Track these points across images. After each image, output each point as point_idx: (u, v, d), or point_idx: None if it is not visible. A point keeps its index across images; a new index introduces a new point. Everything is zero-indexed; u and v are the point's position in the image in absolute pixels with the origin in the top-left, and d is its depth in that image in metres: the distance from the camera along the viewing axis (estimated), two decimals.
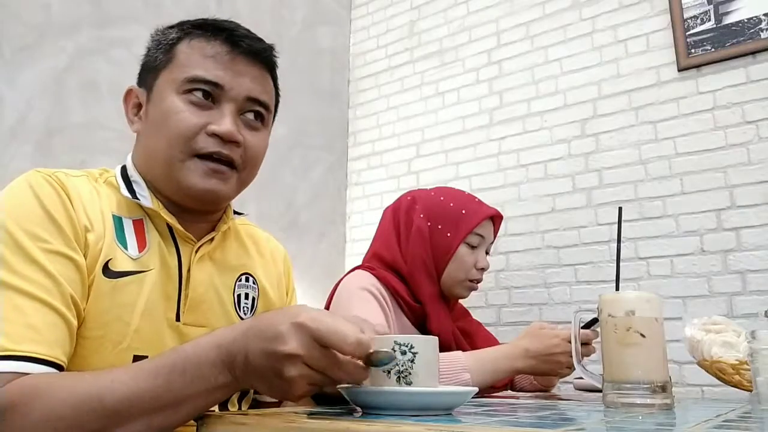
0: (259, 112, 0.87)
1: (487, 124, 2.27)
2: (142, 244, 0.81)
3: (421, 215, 1.36)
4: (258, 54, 0.86)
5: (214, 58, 0.83)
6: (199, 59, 0.83)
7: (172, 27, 0.89)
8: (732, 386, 1.07)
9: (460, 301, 1.49)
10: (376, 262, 1.38)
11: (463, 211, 1.36)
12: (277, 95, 0.94)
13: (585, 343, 1.16)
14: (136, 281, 0.77)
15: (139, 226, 0.82)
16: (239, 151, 0.84)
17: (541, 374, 1.31)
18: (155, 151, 0.83)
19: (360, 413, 0.63)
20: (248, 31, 0.88)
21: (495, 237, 1.45)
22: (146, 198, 0.83)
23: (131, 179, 0.85)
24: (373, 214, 2.49)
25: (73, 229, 0.74)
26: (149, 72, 0.87)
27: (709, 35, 1.85)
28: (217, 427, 0.61)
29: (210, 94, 0.82)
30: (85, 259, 0.74)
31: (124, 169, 0.87)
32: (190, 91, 0.81)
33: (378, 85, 2.65)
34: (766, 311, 1.56)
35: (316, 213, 2.45)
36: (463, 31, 2.43)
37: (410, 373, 0.65)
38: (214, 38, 0.84)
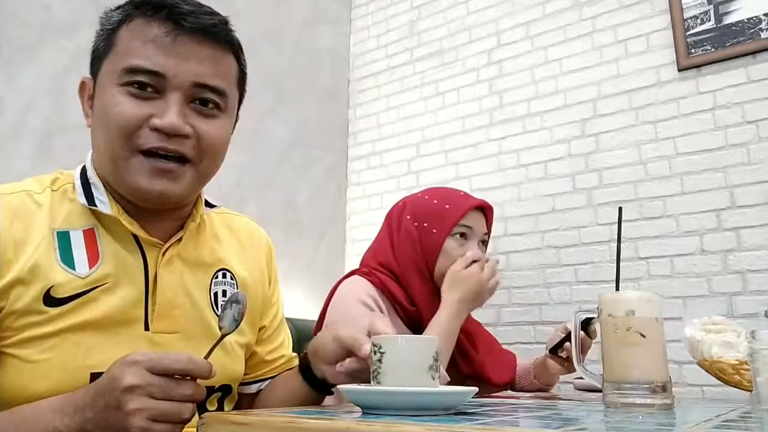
0: (211, 98, 0.78)
1: (487, 124, 2.27)
2: (93, 257, 0.76)
3: (408, 217, 1.37)
4: (206, 32, 0.76)
5: (154, 42, 0.74)
6: (138, 46, 0.74)
7: (117, 8, 0.80)
8: (732, 386, 1.07)
9: None
10: (373, 263, 1.39)
11: (447, 206, 1.36)
12: (243, 73, 0.85)
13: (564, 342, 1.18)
14: (88, 300, 0.73)
15: (90, 236, 0.77)
16: (190, 142, 0.76)
17: (480, 303, 1.34)
18: (100, 149, 0.77)
19: (360, 413, 0.63)
20: (197, 4, 0.78)
21: (489, 229, 1.44)
22: (105, 204, 0.77)
23: (90, 182, 0.79)
24: (373, 214, 2.49)
25: None
26: (94, 61, 0.80)
27: (709, 35, 1.85)
28: (217, 427, 0.61)
29: (152, 83, 0.74)
30: (9, 293, 0.71)
31: (84, 171, 0.81)
32: (130, 82, 0.74)
33: (378, 85, 2.65)
34: (766, 311, 1.56)
35: (316, 213, 2.45)
36: (463, 31, 2.42)
37: (379, 373, 0.66)
38: (153, 18, 0.75)
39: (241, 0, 2.23)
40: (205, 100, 0.77)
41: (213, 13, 0.79)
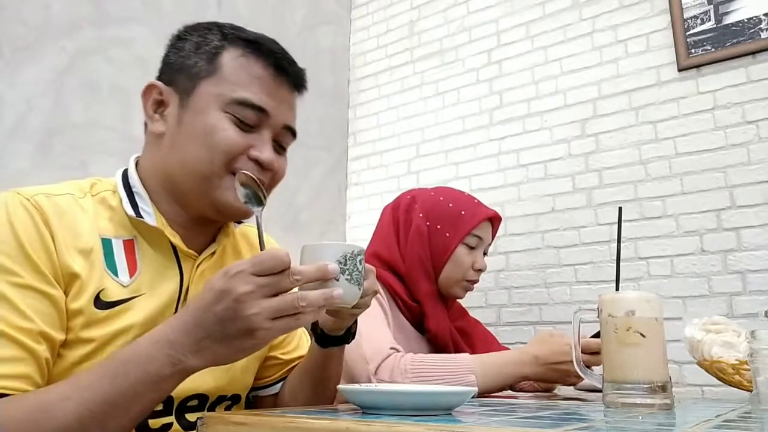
0: (288, 140, 0.89)
1: (487, 124, 2.27)
2: (133, 267, 0.78)
3: (421, 215, 1.37)
4: (299, 83, 0.87)
5: (261, 81, 0.82)
6: (246, 79, 0.81)
7: (208, 29, 0.85)
8: (732, 386, 1.07)
9: (459, 300, 1.49)
10: (374, 260, 1.38)
11: (463, 212, 1.36)
12: None
13: (596, 353, 1.13)
14: (128, 308, 0.75)
15: (129, 247, 0.79)
16: (270, 174, 0.85)
17: (549, 381, 1.30)
18: (192, 164, 0.80)
19: (360, 413, 0.63)
20: (290, 55, 0.87)
21: (493, 239, 1.45)
22: (150, 215, 0.80)
23: (134, 191, 0.82)
24: (373, 214, 2.49)
25: (49, 261, 0.71)
26: (184, 75, 0.83)
27: (709, 35, 1.84)
28: (217, 427, 0.61)
29: (253, 118, 0.81)
30: (70, 289, 0.72)
31: (125, 179, 0.83)
32: (235, 112, 0.80)
33: (378, 85, 2.64)
34: (766, 311, 1.56)
35: (316, 213, 2.45)
36: (463, 31, 2.42)
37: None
38: (262, 59, 0.83)
39: (241, 1, 2.23)
40: (283, 140, 0.88)
41: (300, 66, 0.88)
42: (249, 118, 0.81)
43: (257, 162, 0.82)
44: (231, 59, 0.82)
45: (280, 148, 0.88)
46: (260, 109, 0.81)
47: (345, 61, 2.76)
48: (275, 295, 0.62)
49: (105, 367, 0.64)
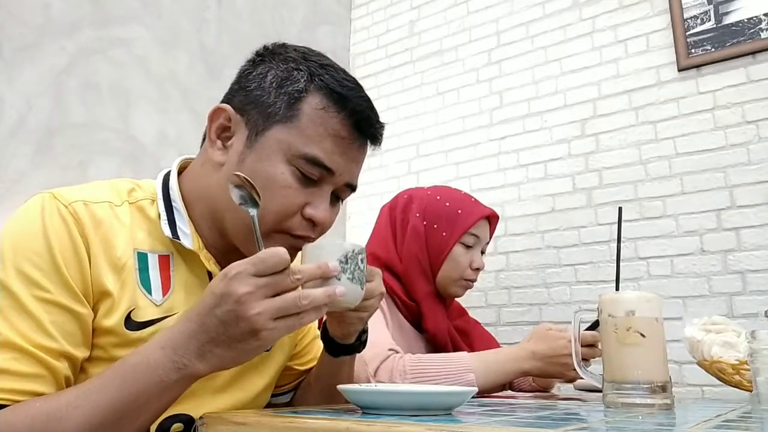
0: (347, 195, 0.85)
1: (487, 124, 2.27)
2: (166, 285, 0.75)
3: (417, 214, 1.37)
4: (376, 141, 0.84)
5: (335, 139, 0.77)
6: (321, 134, 0.76)
7: (295, 62, 0.80)
8: (732, 386, 1.07)
9: (459, 300, 1.49)
10: (371, 260, 1.38)
11: (459, 211, 1.36)
12: None
13: (591, 345, 1.14)
14: (158, 329, 0.72)
15: (164, 263, 0.76)
16: (319, 229, 0.82)
17: (548, 377, 1.30)
18: (243, 213, 0.72)
19: (360, 413, 0.63)
20: (374, 109, 0.82)
21: (491, 237, 1.45)
22: (187, 236, 0.76)
23: (174, 206, 0.78)
24: (372, 214, 2.48)
25: (81, 277, 0.68)
26: (259, 111, 0.77)
27: (709, 35, 1.85)
28: (217, 427, 0.61)
29: (318, 174, 0.77)
30: (100, 306, 0.69)
31: (166, 190, 0.79)
32: (300, 165, 0.76)
33: (378, 85, 2.64)
34: (766, 311, 1.56)
35: None
36: (463, 31, 2.43)
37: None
38: (343, 115, 0.77)
39: (241, 0, 2.23)
40: (341, 194, 0.83)
41: (379, 118, 0.83)
42: (313, 174, 0.76)
43: (310, 220, 0.78)
44: (311, 108, 0.77)
45: (335, 199, 0.83)
46: (327, 168, 0.77)
47: (345, 61, 2.76)
48: (276, 294, 0.61)
49: (112, 373, 0.63)
